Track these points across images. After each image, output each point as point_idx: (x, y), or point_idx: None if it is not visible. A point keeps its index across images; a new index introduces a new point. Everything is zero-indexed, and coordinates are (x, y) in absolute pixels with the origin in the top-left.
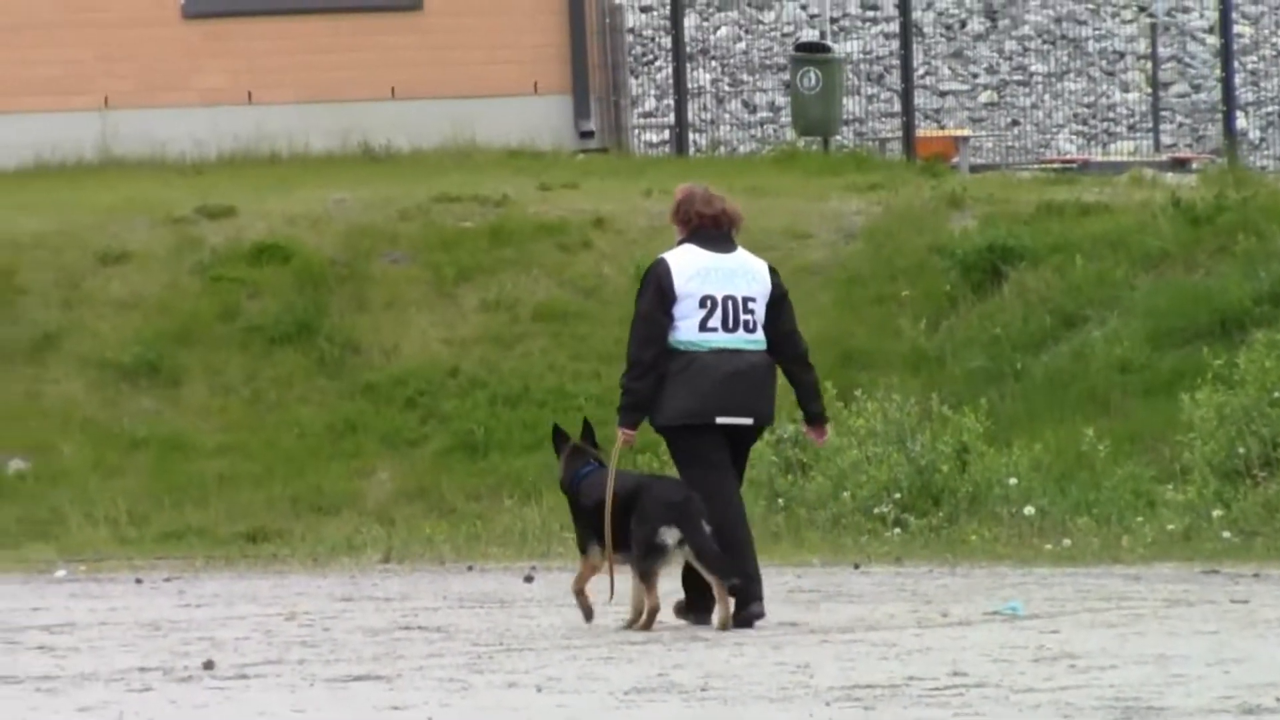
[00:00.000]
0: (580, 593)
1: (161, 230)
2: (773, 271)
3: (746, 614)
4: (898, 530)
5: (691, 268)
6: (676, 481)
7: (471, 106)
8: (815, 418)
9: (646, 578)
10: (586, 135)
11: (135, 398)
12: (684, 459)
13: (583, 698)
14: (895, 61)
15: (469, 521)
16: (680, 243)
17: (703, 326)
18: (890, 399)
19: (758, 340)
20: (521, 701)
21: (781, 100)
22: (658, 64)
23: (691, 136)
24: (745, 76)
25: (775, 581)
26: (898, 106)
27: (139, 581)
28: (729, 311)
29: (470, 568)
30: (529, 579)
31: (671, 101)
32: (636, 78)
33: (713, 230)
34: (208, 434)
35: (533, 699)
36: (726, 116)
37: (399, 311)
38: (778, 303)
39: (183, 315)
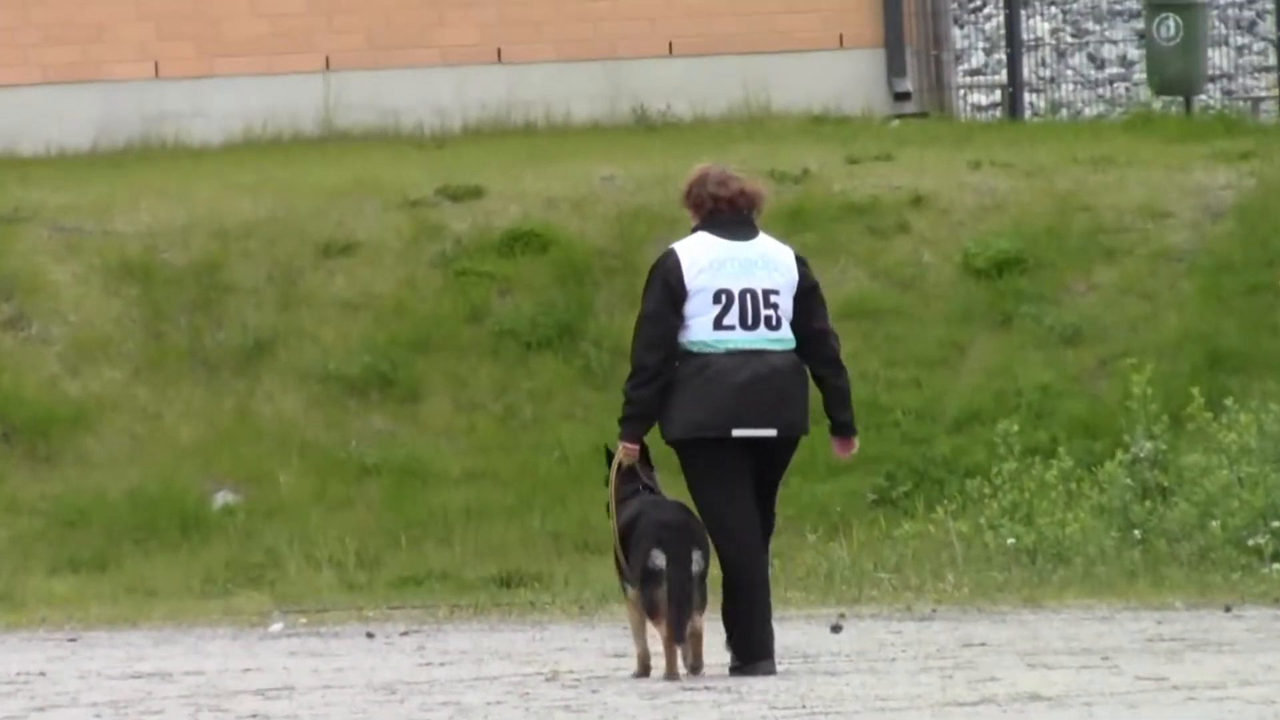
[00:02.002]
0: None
1: (395, 216)
2: (800, 260)
3: (753, 669)
4: (1278, 565)
5: (705, 258)
6: (680, 503)
7: (765, 64)
8: (843, 428)
9: (651, 612)
10: (902, 97)
11: (364, 416)
12: (696, 479)
13: None
14: (1270, 5)
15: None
16: (694, 230)
17: (718, 325)
18: (1267, 409)
19: (783, 339)
20: None
21: (1134, 53)
22: (986, 11)
23: (1027, 97)
24: (1091, 25)
25: (1131, 628)
26: (1274, 59)
27: (370, 636)
28: (748, 307)
29: None
30: (837, 629)
31: (1003, 56)
32: (961, 28)
33: (729, 215)
34: (451, 458)
35: None
36: (1068, 73)
37: None
38: (807, 295)
39: (421, 317)
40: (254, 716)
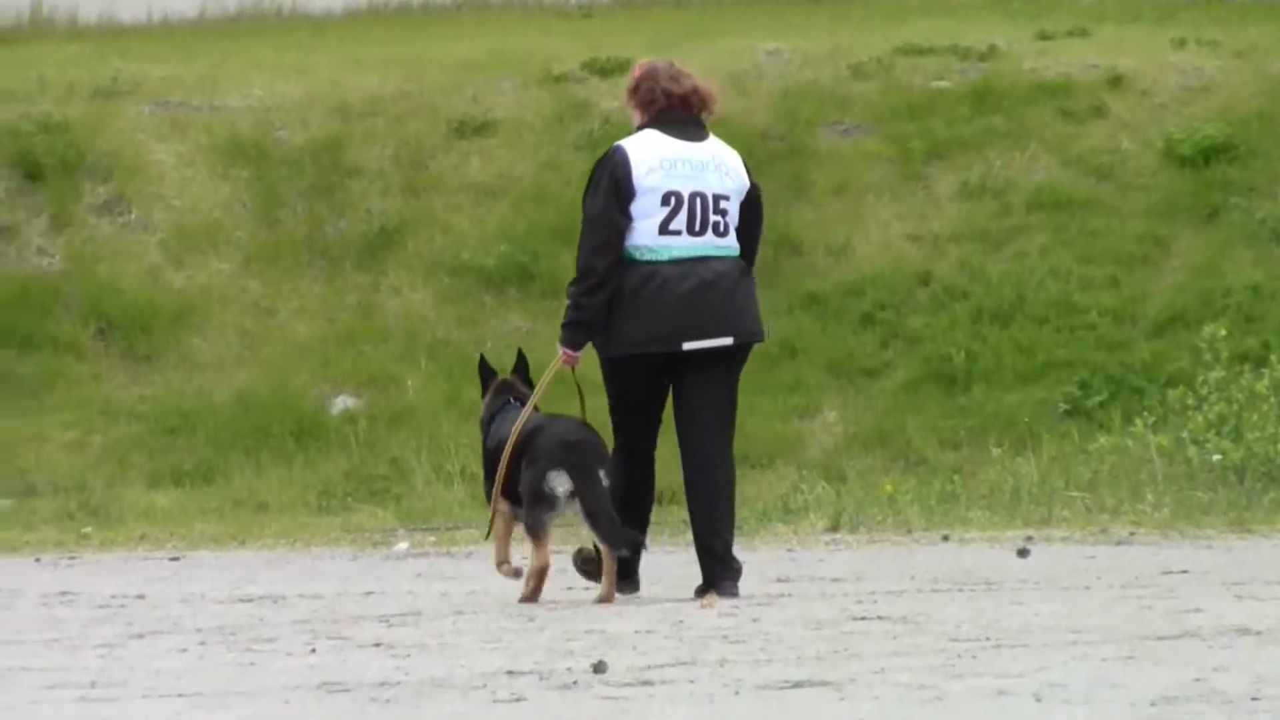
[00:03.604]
0: (502, 561)
1: (536, 92)
2: (747, 165)
3: (719, 590)
4: None
5: (654, 158)
6: (579, 421)
7: None
8: None
9: (532, 532)
10: None
11: (501, 313)
12: (619, 396)
13: (1095, 709)
14: None
15: (944, 476)
16: (640, 128)
17: (663, 229)
18: None
19: (729, 246)
20: (1015, 714)
21: None
22: None
23: None
24: None
25: None
26: None
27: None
28: (696, 211)
29: (946, 538)
30: (1024, 552)
31: None
32: None
33: (681, 113)
34: (596, 361)
35: (1029, 711)
36: None
37: (852, 199)
38: (753, 203)
39: (564, 204)
40: (376, 645)
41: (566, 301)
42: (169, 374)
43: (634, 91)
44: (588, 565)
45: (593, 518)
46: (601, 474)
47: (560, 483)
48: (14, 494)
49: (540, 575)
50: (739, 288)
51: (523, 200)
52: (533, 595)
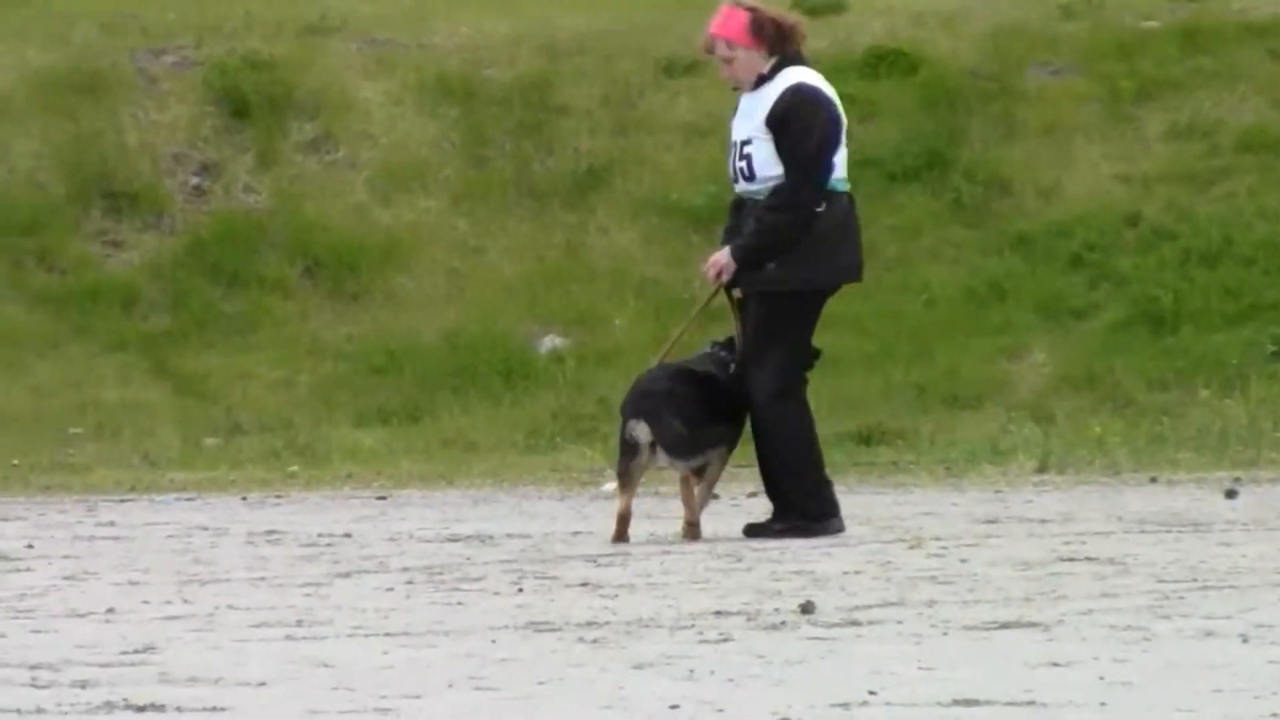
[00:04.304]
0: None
1: None
2: None
3: (761, 527)
4: None
5: (834, 94)
6: (675, 368)
7: None
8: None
9: (619, 478)
10: None
11: (708, 252)
12: (806, 329)
13: None
14: None
15: (1152, 418)
16: (777, 65)
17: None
18: None
19: None
20: (1221, 655)
21: None
22: None
23: None
24: None
25: None
26: None
27: (715, 497)
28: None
29: (1154, 479)
30: (1232, 494)
31: None
32: None
33: (800, 49)
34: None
35: (1236, 652)
36: None
37: (1061, 140)
38: None
39: None
40: (584, 585)
41: (756, 225)
42: (375, 313)
43: (768, 26)
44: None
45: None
46: (676, 422)
47: (641, 431)
48: (221, 432)
49: (621, 520)
50: None
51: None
52: (617, 538)
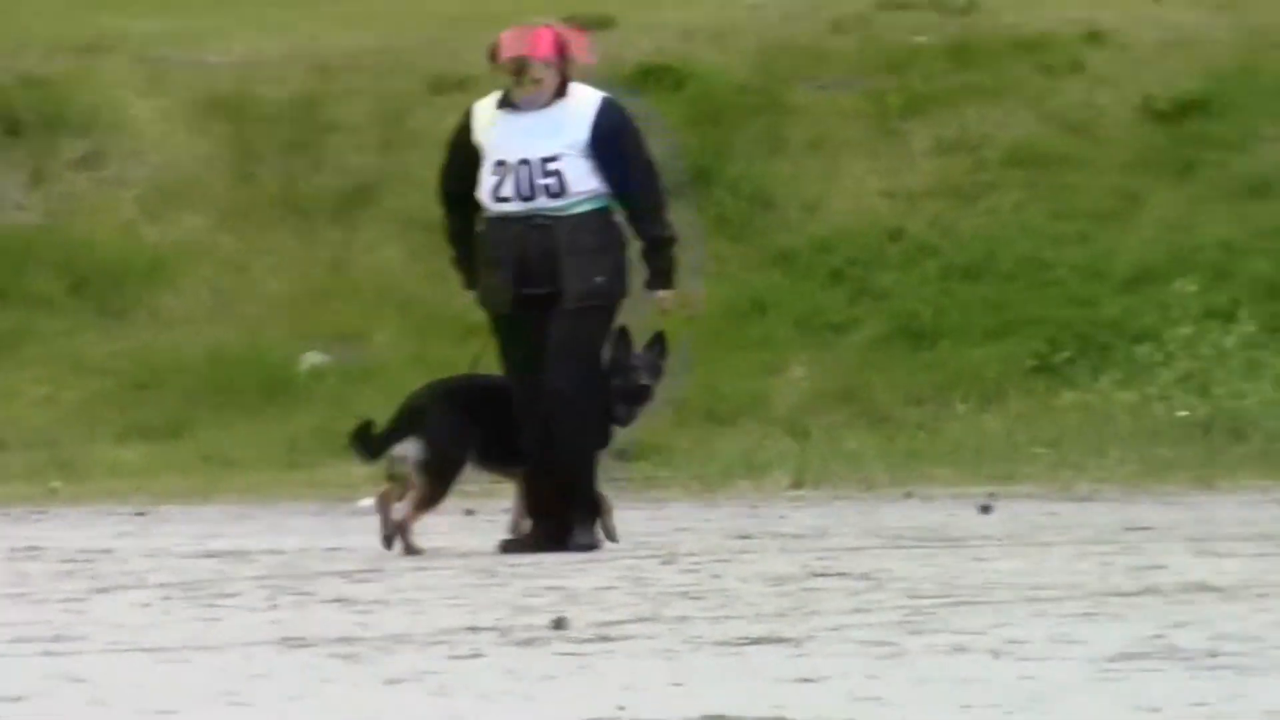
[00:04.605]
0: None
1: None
2: None
3: (572, 545)
4: None
5: None
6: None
7: None
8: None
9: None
10: None
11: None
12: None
13: (1053, 666)
14: None
15: (908, 433)
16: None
17: None
18: None
19: None
20: (972, 671)
21: None
22: None
23: None
24: None
25: None
26: None
27: (469, 513)
28: None
29: (909, 494)
30: (986, 509)
31: None
32: None
33: None
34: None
35: (987, 667)
36: None
37: (827, 155)
38: None
39: None
40: (339, 600)
41: (667, 245)
42: (140, 330)
43: (565, 47)
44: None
45: None
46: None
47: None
48: None
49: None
50: None
51: None
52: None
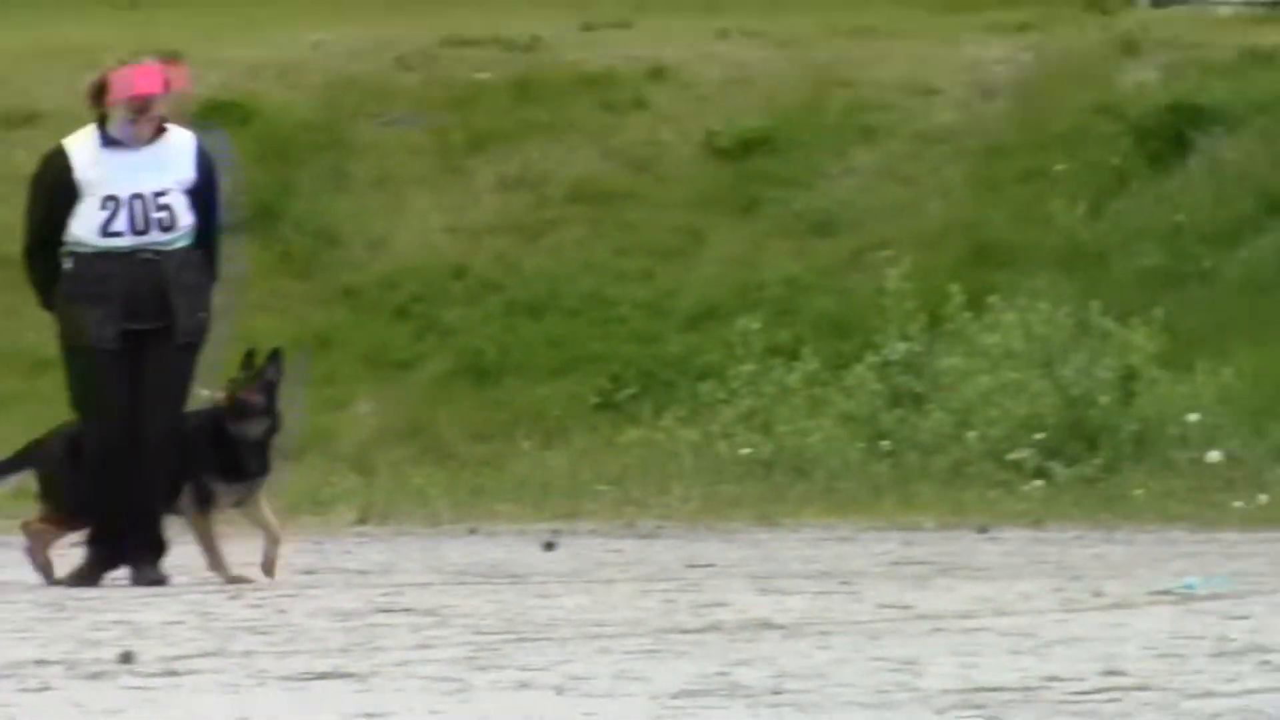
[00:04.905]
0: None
1: (83, 83)
2: None
3: (143, 579)
4: (1039, 482)
5: None
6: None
7: None
8: None
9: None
10: None
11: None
12: None
13: (617, 702)
14: None
15: (473, 470)
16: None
17: None
18: (1035, 307)
19: None
20: (536, 707)
21: None
22: None
23: None
24: None
25: (875, 550)
26: None
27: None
28: None
29: (472, 531)
30: (550, 546)
31: None
32: None
33: None
34: None
35: (551, 704)
36: None
37: (392, 191)
38: None
39: None
40: None
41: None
42: None
43: (170, 83)
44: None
45: None
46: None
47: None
48: None
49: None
50: None
51: None
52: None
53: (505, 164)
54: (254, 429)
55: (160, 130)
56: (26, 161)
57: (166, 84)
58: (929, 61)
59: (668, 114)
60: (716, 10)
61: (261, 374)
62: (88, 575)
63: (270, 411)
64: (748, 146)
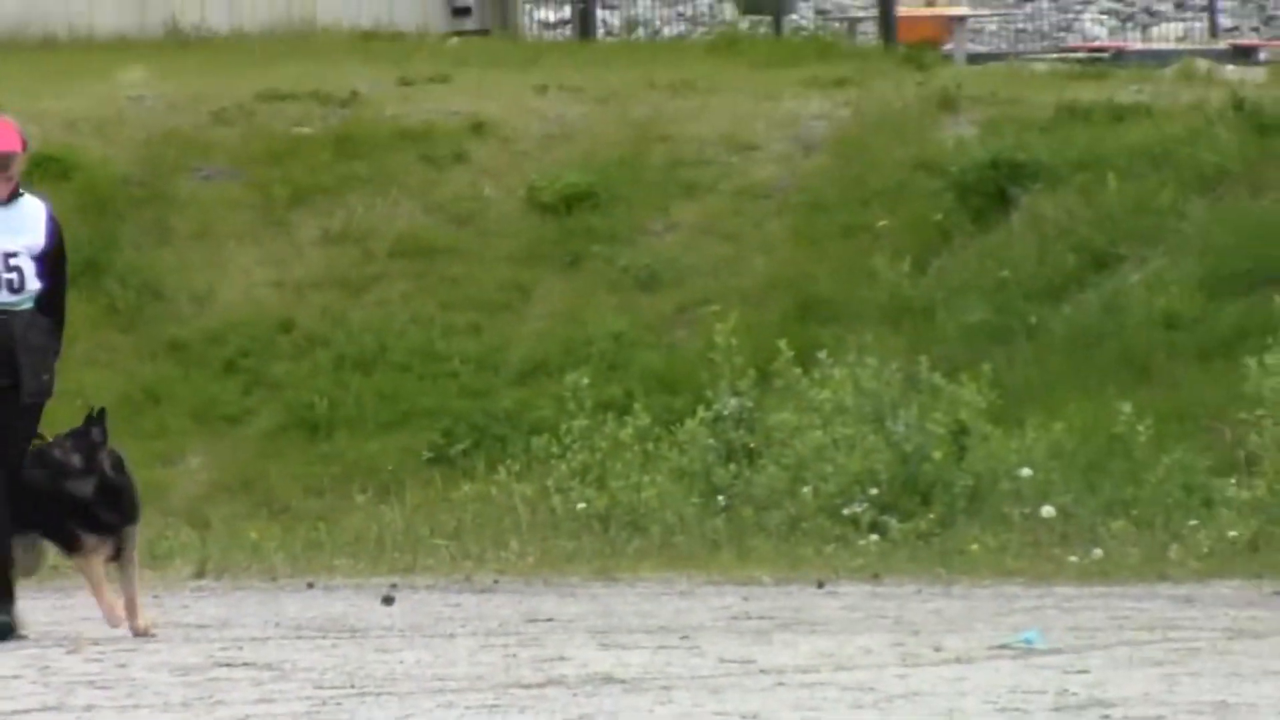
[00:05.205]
0: None
1: None
2: None
3: None
4: (875, 537)
5: None
6: None
7: None
8: None
9: None
10: (461, 12)
11: None
12: None
13: None
14: None
15: (308, 524)
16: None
17: None
18: (864, 363)
19: None
20: None
21: None
22: None
23: (600, 14)
24: None
25: (714, 605)
26: None
27: None
28: None
29: (310, 585)
30: (388, 600)
31: None
32: None
33: None
34: None
35: None
36: None
37: (214, 245)
38: None
39: None
40: None
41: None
42: None
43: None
44: None
45: None
46: None
47: None
48: None
49: None
50: None
51: None
52: None
53: (328, 218)
54: (80, 487)
55: (15, 193)
56: None
57: (23, 141)
58: (748, 117)
59: (489, 168)
60: (534, 65)
61: (84, 434)
62: None
63: (91, 471)
64: (570, 202)
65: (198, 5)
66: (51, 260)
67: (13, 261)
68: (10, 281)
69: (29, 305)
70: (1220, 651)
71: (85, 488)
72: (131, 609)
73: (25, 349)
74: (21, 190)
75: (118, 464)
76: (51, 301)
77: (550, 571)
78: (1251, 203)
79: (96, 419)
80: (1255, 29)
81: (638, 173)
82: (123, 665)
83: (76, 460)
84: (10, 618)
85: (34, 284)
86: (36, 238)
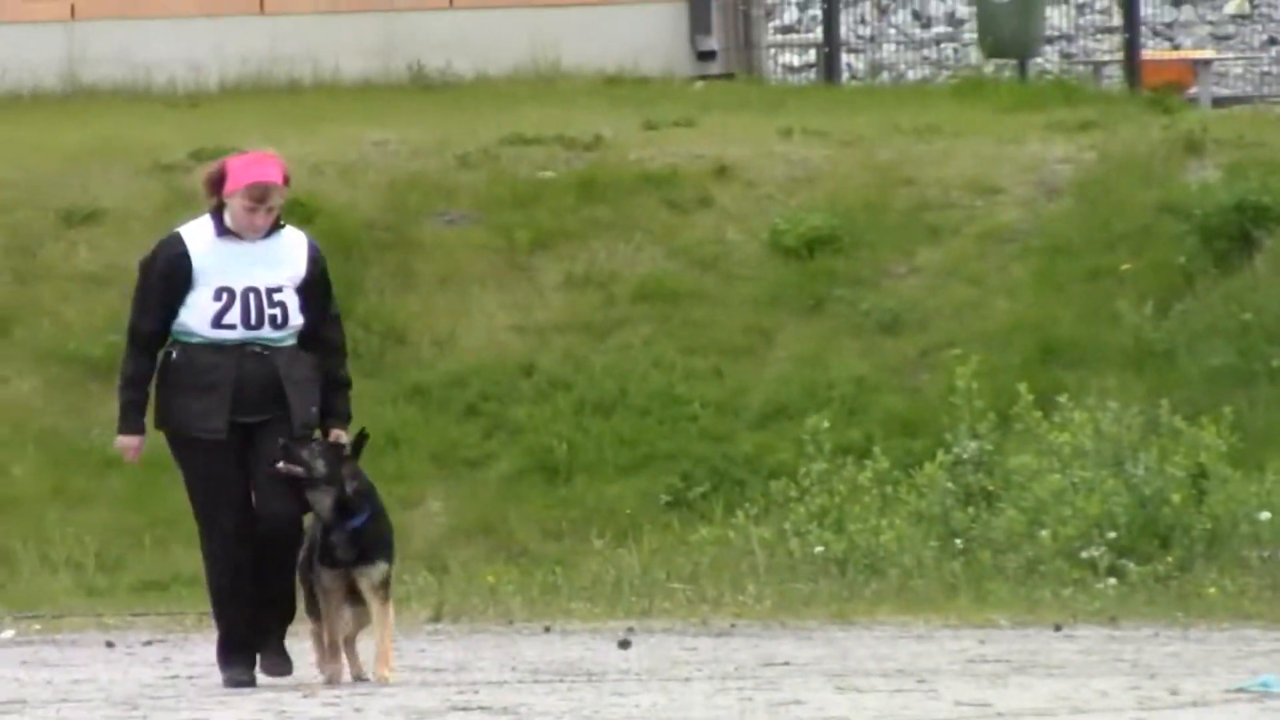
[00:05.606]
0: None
1: (145, 181)
2: None
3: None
4: (1112, 580)
5: None
6: None
7: (554, 18)
8: None
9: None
10: (706, 56)
11: (109, 402)
12: None
13: None
14: None
15: (546, 567)
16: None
17: None
18: (1105, 406)
19: None
20: None
21: (964, 10)
22: None
23: (844, 58)
24: None
25: (950, 648)
26: (1117, 20)
27: (110, 645)
28: None
29: (547, 629)
30: (625, 644)
31: (818, 12)
32: None
33: None
34: None
35: None
36: (891, 32)
37: (457, 290)
38: None
39: None
40: None
41: (349, 387)
42: None
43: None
44: None
45: None
46: None
47: None
48: None
49: None
50: None
51: (131, 289)
52: None
53: (570, 262)
54: (319, 499)
55: (277, 225)
56: (89, 259)
57: (285, 176)
58: (992, 160)
59: (732, 212)
60: (778, 109)
61: (336, 450)
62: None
63: (333, 480)
64: (813, 245)
65: (442, 50)
66: (314, 291)
67: (276, 297)
68: (274, 318)
69: (291, 341)
70: None
71: (324, 499)
72: (380, 655)
73: (291, 383)
74: (283, 223)
75: (365, 490)
76: (319, 333)
77: (787, 615)
78: None
79: (358, 440)
80: None
81: (881, 216)
82: (358, 710)
83: (321, 466)
84: (250, 675)
85: (297, 319)
86: (298, 269)
